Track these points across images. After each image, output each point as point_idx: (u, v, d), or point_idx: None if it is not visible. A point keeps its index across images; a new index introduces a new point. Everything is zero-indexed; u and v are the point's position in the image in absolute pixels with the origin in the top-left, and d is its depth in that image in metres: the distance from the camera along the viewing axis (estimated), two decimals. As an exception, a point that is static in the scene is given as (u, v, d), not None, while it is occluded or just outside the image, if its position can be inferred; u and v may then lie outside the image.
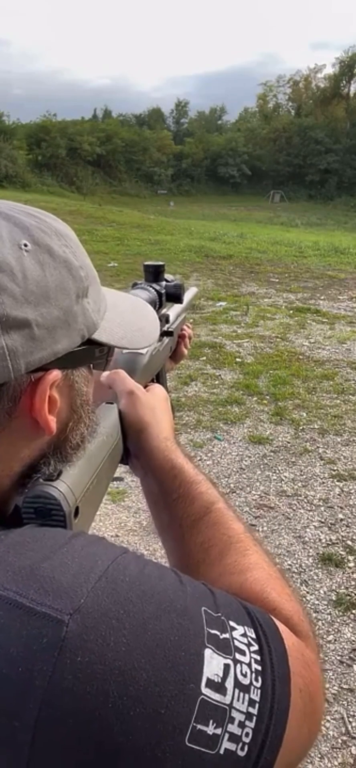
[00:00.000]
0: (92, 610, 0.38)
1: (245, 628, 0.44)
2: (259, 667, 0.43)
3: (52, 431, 0.49)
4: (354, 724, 1.94)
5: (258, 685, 0.42)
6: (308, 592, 2.53)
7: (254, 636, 0.44)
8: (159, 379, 0.95)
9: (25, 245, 0.45)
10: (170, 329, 0.96)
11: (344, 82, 56.78)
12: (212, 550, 0.56)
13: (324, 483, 3.45)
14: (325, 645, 2.25)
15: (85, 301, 0.50)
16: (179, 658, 0.39)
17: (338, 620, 2.39)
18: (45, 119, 44.36)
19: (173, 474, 0.62)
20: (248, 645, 0.43)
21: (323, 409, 4.45)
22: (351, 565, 2.73)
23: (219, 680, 0.40)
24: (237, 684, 0.41)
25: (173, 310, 1.02)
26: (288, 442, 3.93)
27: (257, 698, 0.42)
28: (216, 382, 4.93)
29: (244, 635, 0.44)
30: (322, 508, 3.18)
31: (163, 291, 0.89)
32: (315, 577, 2.63)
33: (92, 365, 0.55)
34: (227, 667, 0.41)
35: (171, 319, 1.00)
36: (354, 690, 2.07)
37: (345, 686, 2.08)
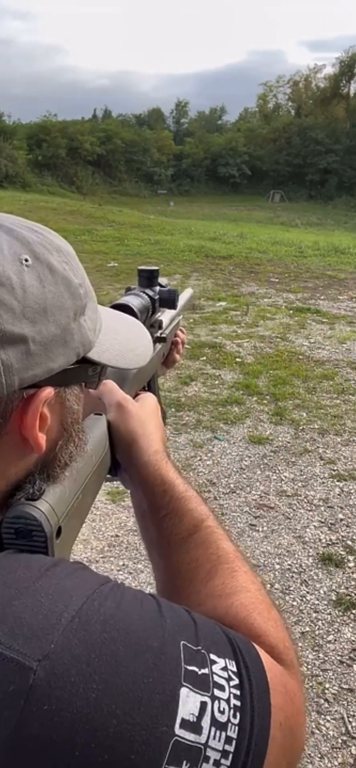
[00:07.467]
0: (62, 655, 0.37)
1: (227, 660, 0.43)
2: (238, 703, 0.41)
3: (41, 449, 0.47)
4: (354, 724, 1.94)
5: (236, 721, 0.41)
6: (308, 592, 2.53)
7: (235, 669, 0.43)
8: (151, 385, 0.93)
9: (26, 260, 0.45)
10: (162, 335, 0.94)
11: (344, 82, 56.79)
12: (200, 570, 0.55)
13: (324, 483, 3.45)
14: (325, 645, 2.26)
15: (83, 319, 0.50)
16: (153, 700, 0.38)
17: (338, 620, 2.39)
18: (45, 119, 44.43)
19: (162, 489, 0.61)
20: (228, 679, 0.42)
21: (323, 409, 4.45)
22: (351, 565, 2.73)
23: (195, 719, 0.39)
24: (214, 722, 0.40)
25: (166, 315, 0.99)
26: (288, 442, 3.93)
27: (234, 735, 0.40)
28: (216, 382, 4.93)
29: (224, 669, 0.42)
30: (322, 508, 3.18)
31: (156, 297, 0.87)
32: (315, 577, 2.63)
33: (84, 384, 0.54)
34: (203, 705, 0.40)
35: (164, 324, 0.97)
36: (354, 690, 2.07)
37: (345, 686, 2.08)
